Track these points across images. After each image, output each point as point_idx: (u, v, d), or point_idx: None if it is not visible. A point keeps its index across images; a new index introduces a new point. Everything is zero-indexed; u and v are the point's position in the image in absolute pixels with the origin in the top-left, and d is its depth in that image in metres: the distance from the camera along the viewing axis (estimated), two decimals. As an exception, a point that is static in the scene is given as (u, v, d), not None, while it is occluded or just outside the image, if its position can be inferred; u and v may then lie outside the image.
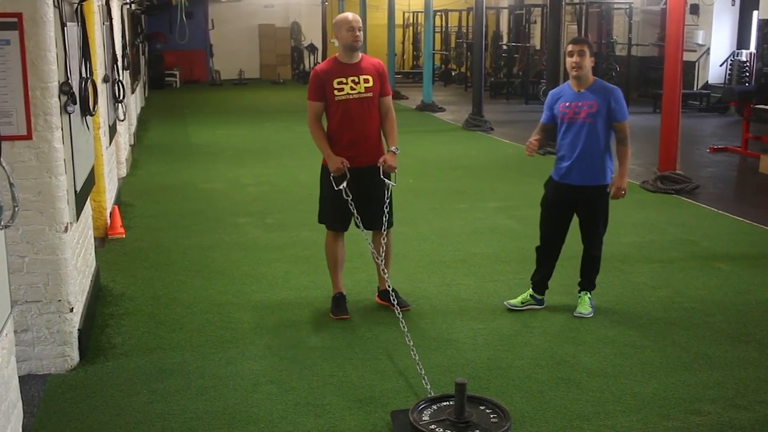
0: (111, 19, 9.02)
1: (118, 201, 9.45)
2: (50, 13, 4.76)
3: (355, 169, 5.84)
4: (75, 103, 5.11)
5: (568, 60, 5.85)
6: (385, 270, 5.93)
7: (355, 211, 5.82)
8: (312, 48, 30.00)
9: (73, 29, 5.42)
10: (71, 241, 5.13)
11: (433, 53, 29.29)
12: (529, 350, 5.46)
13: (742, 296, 6.55)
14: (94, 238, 7.99)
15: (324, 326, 5.87)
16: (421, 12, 22.83)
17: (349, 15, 5.94)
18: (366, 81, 5.88)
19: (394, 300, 5.67)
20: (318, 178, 6.07)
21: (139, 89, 18.02)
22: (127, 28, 13.95)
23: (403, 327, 5.27)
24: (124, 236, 8.24)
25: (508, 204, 9.79)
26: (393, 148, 5.92)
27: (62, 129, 4.97)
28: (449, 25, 29.14)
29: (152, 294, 6.54)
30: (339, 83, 5.83)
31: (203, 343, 5.55)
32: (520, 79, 23.07)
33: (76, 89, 5.42)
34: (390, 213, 5.99)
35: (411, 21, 31.30)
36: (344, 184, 5.79)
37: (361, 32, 5.90)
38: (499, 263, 7.41)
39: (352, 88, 5.83)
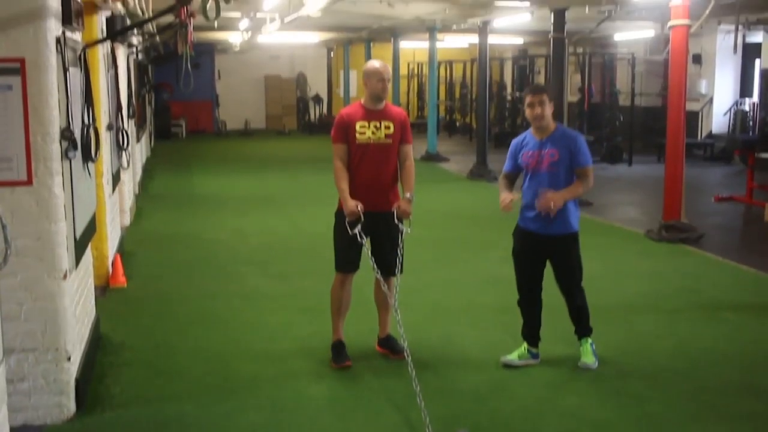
0: (116, 67, 9.07)
1: (121, 250, 9.42)
2: (53, 59, 4.78)
3: (369, 213, 5.84)
4: (76, 149, 5.10)
5: (528, 111, 5.78)
6: (398, 310, 5.83)
7: (370, 253, 5.84)
8: (317, 99, 30.22)
9: (75, 75, 5.44)
10: (70, 288, 5.08)
11: (438, 104, 29.65)
12: (532, 402, 5.37)
13: (749, 346, 6.46)
14: (96, 286, 7.94)
15: (325, 376, 5.79)
16: (426, 63, 23.04)
17: (378, 65, 5.98)
18: (387, 128, 5.94)
19: (404, 339, 5.54)
20: (332, 226, 6.09)
21: (144, 139, 18.12)
22: (134, 77, 14.05)
23: (411, 370, 5.16)
24: (125, 285, 8.19)
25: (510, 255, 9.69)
26: (408, 195, 5.95)
27: (63, 175, 4.95)
28: (454, 76, 29.34)
29: (153, 343, 6.47)
30: (361, 127, 5.90)
31: (203, 393, 5.46)
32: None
33: (77, 135, 5.42)
34: (402, 259, 5.96)
35: (416, 72, 31.56)
36: (359, 227, 5.78)
37: (389, 83, 5.97)
38: (502, 314, 7.29)
39: (373, 133, 5.90)
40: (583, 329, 6.04)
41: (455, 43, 25.29)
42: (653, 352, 6.29)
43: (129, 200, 11.76)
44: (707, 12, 10.51)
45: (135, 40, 13.75)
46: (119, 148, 8.98)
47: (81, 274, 5.67)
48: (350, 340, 6.20)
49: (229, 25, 18.60)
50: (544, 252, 5.90)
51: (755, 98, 19.35)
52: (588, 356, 5.95)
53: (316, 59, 31.28)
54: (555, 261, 5.93)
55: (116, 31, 7.89)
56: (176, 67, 26.27)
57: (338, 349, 6.07)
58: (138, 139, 14.49)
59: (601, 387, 5.59)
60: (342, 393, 5.49)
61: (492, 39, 22.46)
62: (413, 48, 28.64)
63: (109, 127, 8.24)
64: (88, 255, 6.20)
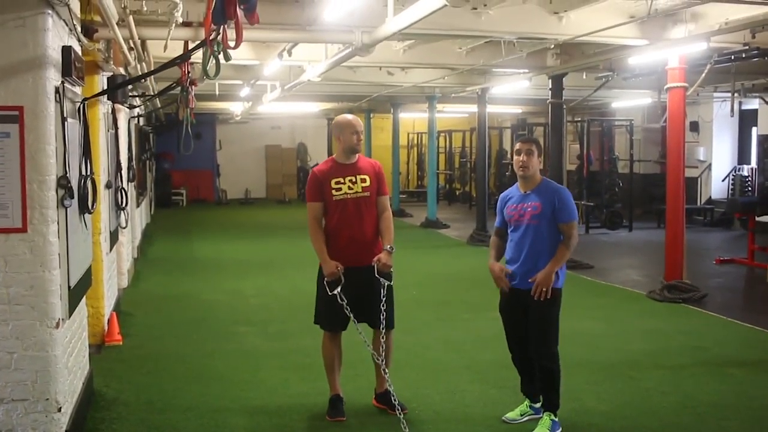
0: (117, 128, 9.12)
1: (118, 310, 9.32)
2: (51, 107, 4.80)
3: (353, 269, 5.77)
4: (72, 198, 5.08)
5: (515, 159, 5.68)
6: (386, 370, 5.75)
7: (351, 315, 5.73)
8: (318, 169, 30.38)
9: (74, 126, 5.45)
10: (62, 338, 5.00)
11: (438, 173, 29.79)
12: (536, 455, 5.22)
13: (757, 401, 6.32)
14: (91, 344, 7.86)
15: (320, 430, 5.65)
16: (425, 133, 23.25)
17: (351, 118, 6.00)
18: (363, 181, 5.89)
19: (394, 399, 5.45)
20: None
21: (144, 204, 18.15)
22: (135, 141, 14.15)
23: (404, 428, 5.05)
24: (121, 343, 8.07)
25: (513, 313, 9.61)
26: (388, 247, 5.85)
27: (58, 223, 4.93)
28: (453, 146, 29.57)
29: (147, 399, 6.33)
30: (337, 183, 5.84)
31: (196, 447, 5.33)
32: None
33: (75, 185, 5.40)
34: (390, 313, 5.85)
35: (415, 142, 31.84)
36: (338, 289, 5.70)
37: (363, 135, 5.97)
38: (504, 369, 7.14)
39: (349, 188, 5.84)
40: (548, 402, 5.62)
41: (454, 112, 25.53)
42: (659, 407, 6.15)
43: (127, 262, 11.69)
44: (703, 75, 10.64)
45: (137, 103, 13.90)
46: (118, 207, 8.96)
47: (75, 326, 5.59)
48: (349, 396, 6.08)
49: (230, 95, 18.82)
50: (522, 308, 5.62)
51: (753, 164, 19.45)
52: (543, 427, 5.54)
53: (317, 129, 31.58)
54: (530, 316, 5.58)
55: (116, 85, 7.94)
56: (178, 135, 26.61)
57: (334, 403, 5.96)
58: (138, 204, 14.51)
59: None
60: (338, 447, 5.35)
61: (491, 108, 22.75)
62: (413, 117, 28.94)
63: (108, 186, 8.24)
64: (83, 308, 6.13)
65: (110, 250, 8.40)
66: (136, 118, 14.88)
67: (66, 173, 5.01)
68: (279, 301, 10.50)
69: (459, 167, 28.99)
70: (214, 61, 6.62)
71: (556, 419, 5.59)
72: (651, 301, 10.34)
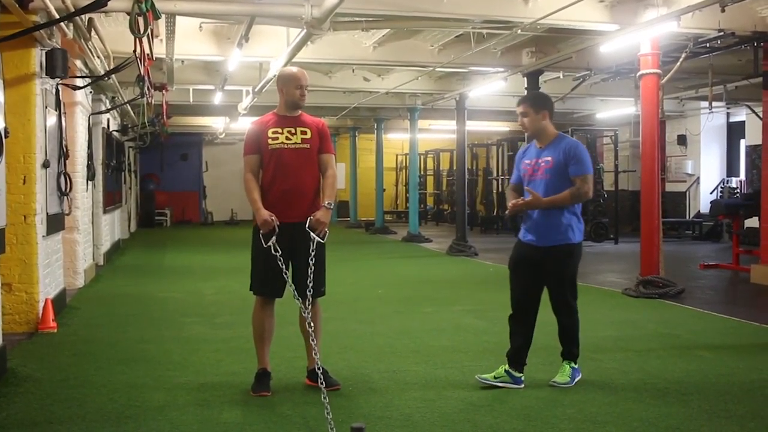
0: (62, 112, 8.72)
1: (62, 303, 8.86)
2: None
3: (285, 225, 5.31)
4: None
5: (519, 121, 5.70)
6: (315, 345, 5.23)
7: (284, 268, 5.23)
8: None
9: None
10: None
11: (425, 193, 29.45)
12: (471, 427, 4.71)
13: (724, 378, 5.85)
14: (23, 332, 7.43)
15: (241, 404, 5.18)
16: (417, 155, 22.67)
17: (296, 71, 5.59)
18: (303, 133, 5.48)
19: (319, 369, 4.93)
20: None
21: (118, 215, 17.73)
22: (101, 144, 13.78)
23: (325, 399, 4.56)
24: (55, 331, 7.59)
25: (479, 307, 9.15)
26: (327, 203, 5.41)
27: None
28: (440, 167, 29.21)
29: (62, 378, 5.85)
30: (274, 132, 5.46)
31: (98, 419, 4.84)
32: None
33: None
34: (318, 277, 5.37)
35: (404, 164, 31.46)
36: (273, 239, 5.25)
37: (307, 91, 5.56)
38: (455, 353, 6.72)
39: (287, 138, 5.44)
40: (567, 352, 5.66)
41: (441, 131, 25.18)
42: (617, 384, 5.68)
43: (84, 263, 11.24)
44: (679, 63, 10.25)
45: (104, 107, 13.56)
46: (60, 192, 8.53)
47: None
48: (284, 375, 5.67)
49: (206, 106, 18.46)
50: (538, 265, 5.54)
51: (742, 176, 19.05)
52: (563, 375, 5.57)
53: (304, 151, 31.17)
54: (548, 272, 5.54)
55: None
56: (161, 157, 26.48)
57: (261, 377, 5.49)
58: (104, 210, 14.07)
59: (552, 413, 4.97)
60: (254, 419, 4.85)
61: (478, 125, 22.52)
62: (401, 139, 28.60)
63: (45, 165, 7.81)
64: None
65: (47, 234, 7.93)
66: (106, 124, 14.53)
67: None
68: (236, 297, 9.98)
69: (447, 187, 28.57)
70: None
71: (576, 366, 5.64)
72: (626, 297, 9.86)
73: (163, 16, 8.58)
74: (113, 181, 15.90)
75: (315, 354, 5.09)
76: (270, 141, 5.43)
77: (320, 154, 5.54)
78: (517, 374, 5.54)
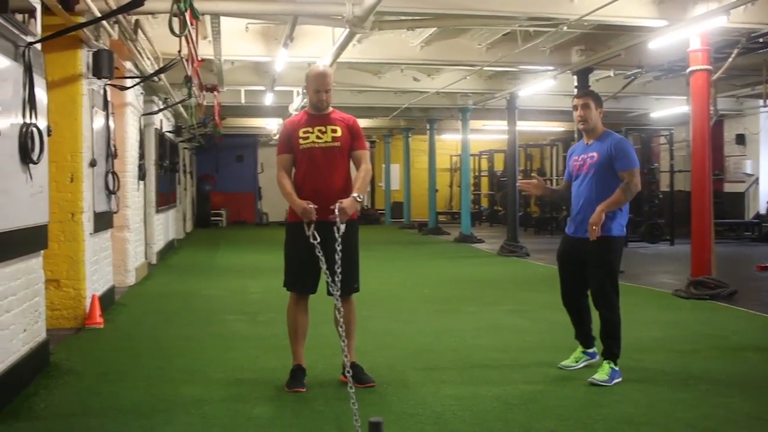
0: (110, 112, 8.90)
1: (112, 302, 9.04)
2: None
3: (319, 223, 5.30)
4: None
5: (574, 114, 5.86)
6: (344, 340, 5.14)
7: (322, 257, 5.16)
8: (359, 191, 30.10)
9: (17, 70, 5.16)
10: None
11: (480, 194, 29.30)
12: (502, 426, 4.66)
13: (769, 380, 5.67)
14: (71, 327, 7.59)
15: (274, 399, 5.20)
16: (469, 155, 22.51)
17: (319, 73, 5.59)
18: (334, 131, 5.49)
19: (347, 371, 4.80)
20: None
21: (172, 214, 18.00)
22: (154, 145, 14.02)
23: (351, 389, 4.55)
24: (101, 326, 7.74)
25: (523, 307, 9.06)
26: (355, 195, 5.37)
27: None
28: (495, 168, 29.00)
29: (101, 371, 5.96)
30: (305, 132, 5.48)
31: (131, 412, 4.91)
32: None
33: (16, 132, 5.12)
34: (349, 272, 5.32)
35: (458, 165, 31.33)
36: (312, 227, 5.23)
37: (329, 94, 5.54)
38: (494, 352, 6.66)
39: (318, 137, 5.46)
40: (608, 350, 5.62)
41: (494, 131, 24.98)
42: (657, 384, 5.57)
43: (136, 261, 11.44)
44: (731, 59, 10.03)
45: (156, 108, 13.79)
46: (108, 191, 8.69)
47: (14, 282, 5.24)
48: (321, 371, 5.73)
49: (257, 108, 18.63)
50: (581, 255, 5.71)
51: (804, 176, 18.53)
52: (603, 374, 5.54)
53: (359, 152, 31.26)
54: (589, 263, 5.65)
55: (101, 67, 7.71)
56: (216, 159, 26.92)
57: (296, 373, 5.50)
58: (157, 210, 14.30)
59: (586, 413, 4.88)
60: (285, 414, 4.87)
61: (532, 125, 22.35)
62: (455, 140, 28.46)
63: (92, 164, 7.97)
64: (35, 271, 5.78)
65: (94, 231, 8.09)
66: (159, 125, 14.78)
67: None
68: (279, 296, 9.86)
69: (500, 188, 28.36)
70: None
71: (617, 368, 5.57)
72: (676, 299, 9.66)
73: (208, 16, 8.74)
74: (167, 181, 16.14)
75: (344, 354, 4.93)
76: (301, 141, 5.45)
77: (353, 151, 5.55)
78: (590, 350, 5.92)
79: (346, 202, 5.29)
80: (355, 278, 5.50)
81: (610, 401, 5.13)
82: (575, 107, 5.82)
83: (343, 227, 5.18)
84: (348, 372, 4.77)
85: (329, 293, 5.20)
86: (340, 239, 5.13)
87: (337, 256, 5.09)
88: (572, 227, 5.83)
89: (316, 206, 5.27)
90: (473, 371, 5.97)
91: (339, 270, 5.10)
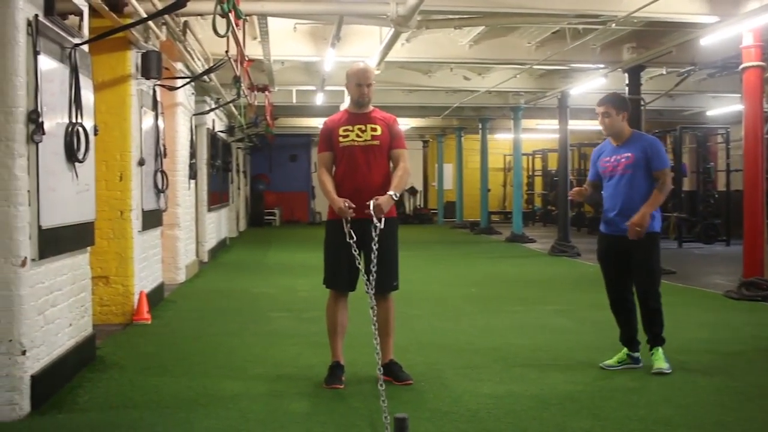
0: (159, 112, 9.07)
1: (161, 298, 9.22)
2: (20, 37, 4.64)
3: (355, 221, 5.34)
4: (43, 134, 4.87)
5: (599, 121, 5.98)
6: (376, 338, 5.06)
7: (358, 256, 5.25)
8: (413, 191, 30.04)
9: (62, 70, 5.31)
10: (31, 279, 4.79)
11: (533, 194, 29.08)
12: (537, 425, 4.64)
13: (816, 385, 5.53)
14: (119, 323, 7.77)
15: (312, 396, 5.26)
16: (524, 154, 22.35)
17: (360, 69, 5.63)
18: (373, 130, 5.53)
19: (379, 369, 4.77)
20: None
21: (225, 213, 18.25)
22: (206, 145, 14.24)
23: (381, 386, 4.58)
24: (149, 322, 7.91)
25: (569, 307, 8.98)
26: (391, 192, 5.41)
27: (28, 159, 4.75)
28: (548, 167, 28.75)
29: (145, 365, 6.10)
30: (345, 131, 5.54)
31: (171, 405, 5.02)
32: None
33: (62, 131, 5.27)
34: (388, 270, 5.36)
35: (511, 164, 31.11)
36: (349, 225, 5.29)
37: (370, 88, 5.58)
38: (536, 351, 6.62)
39: (358, 136, 5.51)
40: (654, 338, 5.87)
41: (548, 130, 24.76)
42: (698, 387, 5.45)
43: (186, 259, 11.64)
44: (786, 55, 9.76)
45: (207, 108, 13.99)
46: (157, 189, 8.87)
47: (60, 277, 5.39)
48: (360, 368, 5.77)
49: (309, 107, 18.78)
50: (622, 254, 5.86)
51: None
52: (660, 361, 5.77)
53: (411, 152, 30.69)
54: (633, 259, 5.83)
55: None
56: (269, 159, 27.17)
57: (333, 370, 5.56)
58: (209, 208, 14.52)
59: (622, 413, 4.83)
60: (321, 410, 4.92)
61: (584, 125, 22.06)
62: (508, 139, 28.27)
63: (140, 163, 8.14)
64: (82, 266, 5.93)
65: (143, 229, 8.26)
66: (210, 125, 15.00)
67: (37, 108, 4.83)
68: (326, 294, 10.10)
69: (553, 188, 28.11)
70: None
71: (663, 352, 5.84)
72: (726, 300, 9.47)
73: (256, 17, 8.86)
74: (219, 180, 16.37)
75: (377, 354, 4.88)
76: (341, 139, 5.50)
77: (392, 150, 5.57)
78: (635, 355, 5.93)
79: (381, 199, 5.33)
80: (393, 276, 5.53)
81: (648, 402, 5.08)
82: (598, 115, 5.95)
83: (381, 225, 5.21)
84: (379, 370, 4.79)
85: (367, 291, 5.24)
86: (376, 238, 5.16)
87: (373, 255, 5.13)
88: (611, 226, 5.94)
89: (353, 205, 5.31)
90: (513, 370, 5.95)
91: (374, 269, 5.13)
